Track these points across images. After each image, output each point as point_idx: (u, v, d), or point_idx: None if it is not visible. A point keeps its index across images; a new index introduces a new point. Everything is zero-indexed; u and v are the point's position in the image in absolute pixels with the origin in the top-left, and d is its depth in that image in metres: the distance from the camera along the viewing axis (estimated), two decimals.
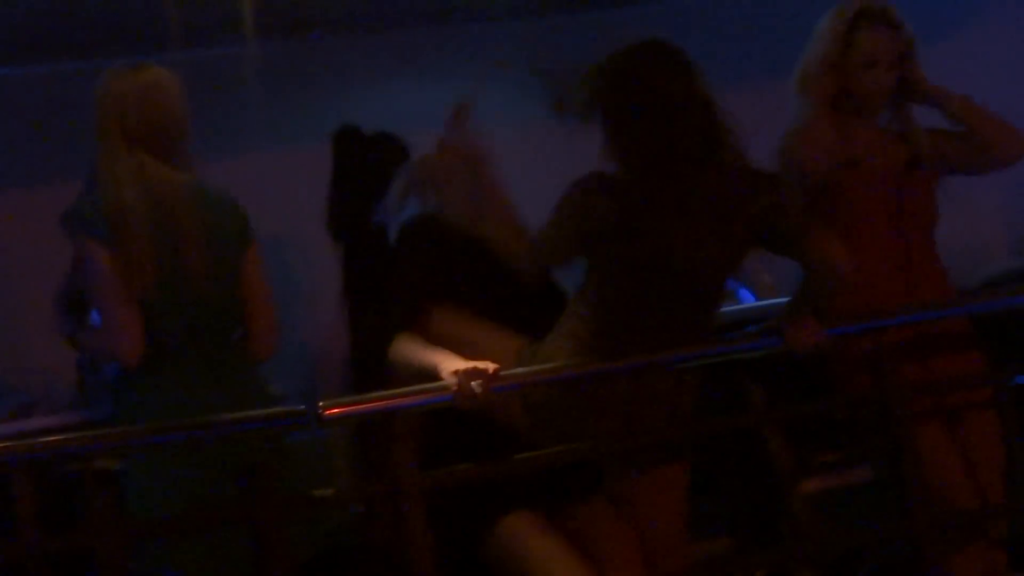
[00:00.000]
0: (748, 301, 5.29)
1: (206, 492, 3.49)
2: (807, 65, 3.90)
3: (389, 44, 5.98)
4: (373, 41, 5.93)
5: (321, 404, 3.35)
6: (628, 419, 3.49)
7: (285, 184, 5.63)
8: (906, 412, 3.76)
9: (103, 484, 3.29)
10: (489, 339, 3.50)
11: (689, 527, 3.70)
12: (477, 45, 5.95)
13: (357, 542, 4.16)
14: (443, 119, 3.80)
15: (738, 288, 5.32)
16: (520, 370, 3.47)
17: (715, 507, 4.57)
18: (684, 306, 3.48)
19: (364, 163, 4.25)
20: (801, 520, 4.28)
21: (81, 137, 3.74)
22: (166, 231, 3.56)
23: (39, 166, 5.32)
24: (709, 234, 3.39)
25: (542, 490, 3.51)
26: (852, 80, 3.86)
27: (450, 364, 3.36)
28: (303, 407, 3.40)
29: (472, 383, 3.32)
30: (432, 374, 3.41)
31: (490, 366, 3.34)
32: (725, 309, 5.04)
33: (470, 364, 3.34)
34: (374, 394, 3.55)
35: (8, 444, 3.36)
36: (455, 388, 3.32)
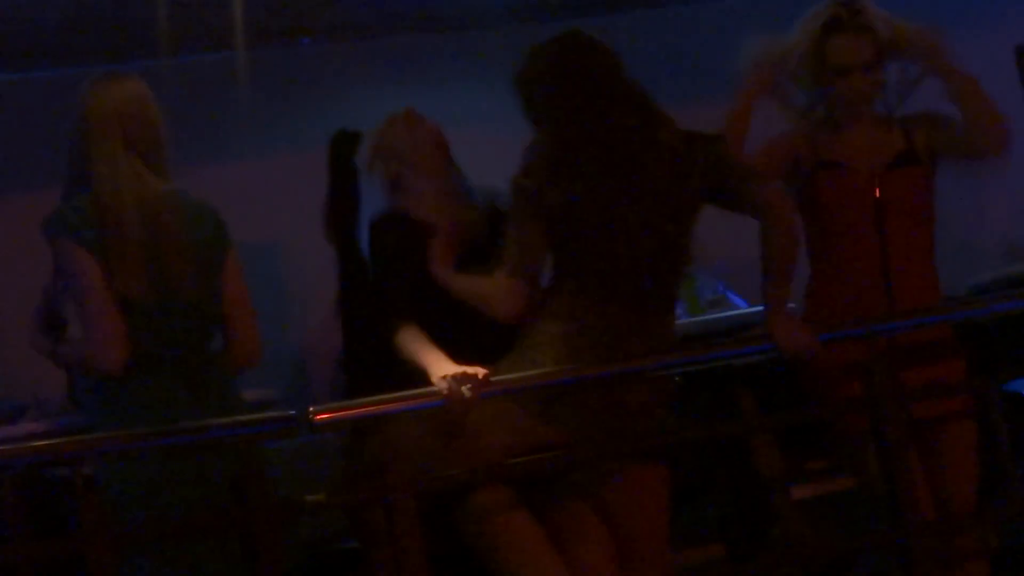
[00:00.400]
0: (741, 307, 5.33)
1: (181, 499, 3.46)
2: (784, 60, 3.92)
3: (379, 51, 5.99)
4: (363, 48, 5.94)
5: (311, 409, 3.37)
6: (603, 419, 3.49)
7: (275, 189, 5.65)
8: (901, 419, 3.74)
9: (93, 490, 3.29)
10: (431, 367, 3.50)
11: (680, 534, 3.71)
12: (467, 52, 5.96)
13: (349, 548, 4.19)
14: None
15: (730, 294, 5.38)
16: (510, 376, 3.48)
17: (706, 514, 4.59)
18: (646, 280, 3.49)
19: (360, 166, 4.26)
20: (791, 527, 4.28)
21: None
22: (153, 238, 3.55)
23: (33, 172, 5.32)
24: (656, 199, 3.45)
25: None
26: (829, 88, 3.87)
27: (440, 368, 3.39)
28: (293, 412, 3.43)
29: (462, 388, 3.33)
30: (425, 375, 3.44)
31: (480, 371, 3.36)
32: (719, 315, 5.12)
33: (459, 369, 3.36)
34: (364, 399, 3.57)
35: None
36: (445, 393, 3.35)
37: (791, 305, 3.82)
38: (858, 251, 3.83)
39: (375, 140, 3.96)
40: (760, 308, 4.82)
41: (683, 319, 5.21)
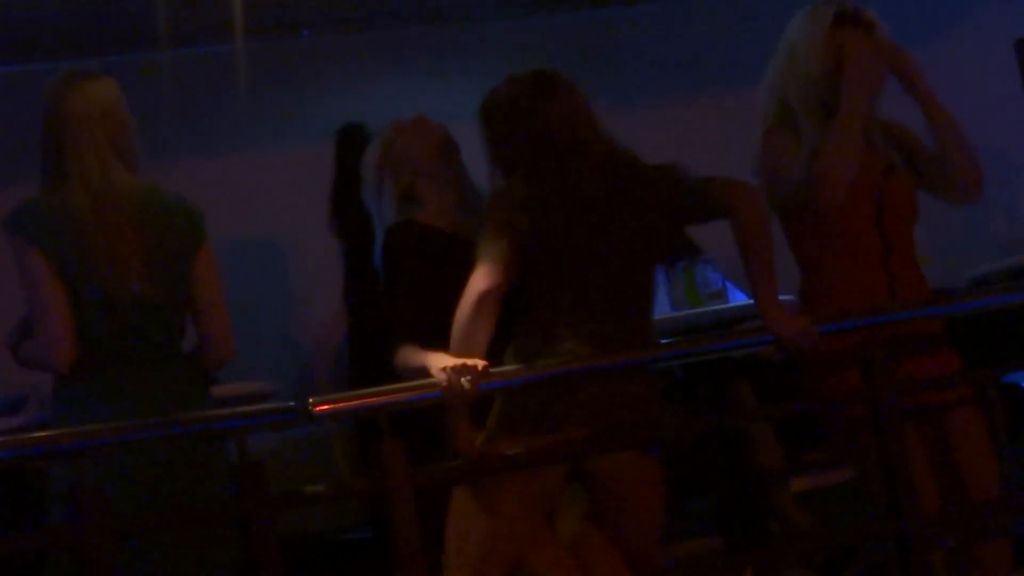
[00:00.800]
0: (741, 299, 5.29)
1: (150, 493, 3.47)
2: (785, 76, 3.84)
3: (379, 43, 6.00)
4: (363, 40, 5.95)
5: (311, 400, 3.36)
6: (600, 413, 3.48)
7: (275, 182, 5.66)
8: (898, 410, 3.72)
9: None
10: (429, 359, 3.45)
11: (679, 526, 3.70)
12: (467, 45, 5.97)
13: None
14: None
15: (730, 286, 5.39)
16: (508, 368, 3.48)
17: (705, 506, 4.61)
18: (618, 305, 3.50)
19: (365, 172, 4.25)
20: (789, 519, 4.30)
21: None
22: (116, 233, 3.55)
23: (34, 165, 5.33)
24: (624, 236, 3.48)
25: None
26: (833, 86, 3.79)
27: (439, 360, 3.38)
28: (293, 403, 3.42)
29: (461, 379, 3.34)
30: (424, 372, 3.43)
31: (479, 362, 3.36)
32: (720, 307, 5.14)
33: (459, 361, 3.36)
34: (364, 391, 3.58)
35: None
36: (444, 384, 3.34)
37: (788, 297, 3.82)
38: (860, 250, 3.82)
39: (384, 149, 3.92)
40: None
41: (684, 311, 5.28)
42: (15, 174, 5.51)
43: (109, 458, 3.42)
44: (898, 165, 3.88)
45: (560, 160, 3.52)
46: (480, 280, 3.41)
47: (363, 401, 3.54)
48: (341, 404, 3.48)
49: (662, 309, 5.28)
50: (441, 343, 3.48)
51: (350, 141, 4.33)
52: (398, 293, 3.74)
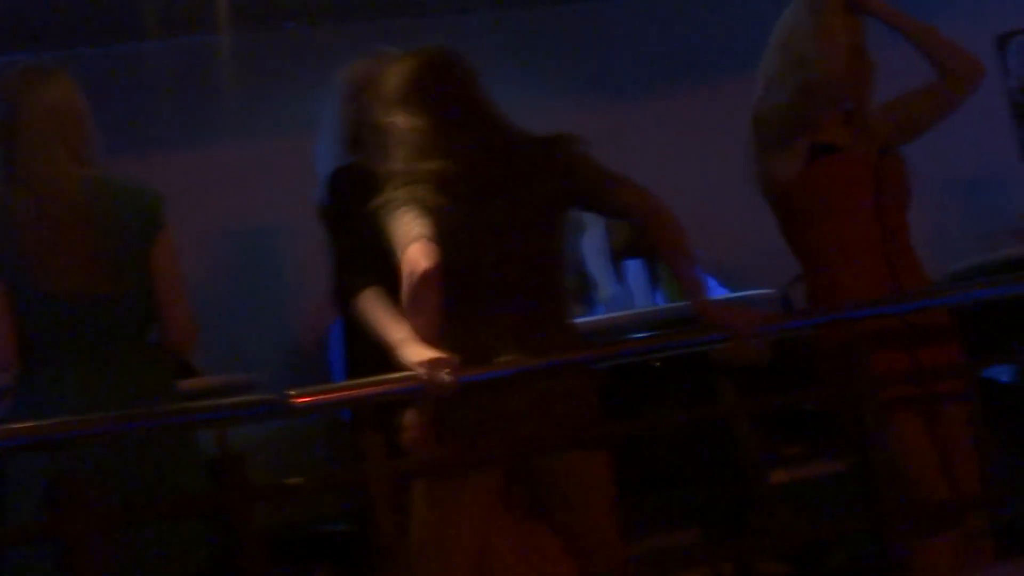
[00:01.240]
0: (721, 293, 5.33)
1: (115, 485, 3.44)
2: (784, 64, 3.84)
3: (363, 35, 5.98)
4: (347, 31, 5.96)
5: (291, 392, 3.35)
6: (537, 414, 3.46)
7: (259, 172, 5.68)
8: (878, 402, 3.72)
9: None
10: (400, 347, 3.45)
11: (658, 518, 3.72)
12: (451, 36, 5.97)
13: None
14: None
15: (709, 280, 5.39)
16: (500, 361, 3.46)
17: (685, 499, 4.63)
18: (519, 291, 3.48)
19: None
20: (769, 511, 4.33)
21: None
22: (54, 230, 3.54)
23: None
24: (517, 209, 3.46)
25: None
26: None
27: (413, 352, 3.37)
28: (273, 395, 3.39)
29: (442, 373, 3.33)
30: (392, 351, 3.42)
31: (453, 356, 3.36)
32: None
33: (435, 354, 3.35)
34: (343, 383, 3.63)
35: None
36: (426, 378, 3.33)
37: (768, 291, 3.85)
38: (859, 233, 3.84)
39: (364, 82, 3.92)
40: (744, 293, 4.95)
41: (663, 304, 5.32)
42: None
43: (73, 450, 3.37)
44: (892, 149, 3.90)
45: (458, 138, 3.51)
46: (423, 259, 3.35)
47: (342, 394, 3.54)
48: (320, 396, 3.47)
49: (643, 303, 5.38)
50: (392, 283, 3.47)
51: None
52: (346, 234, 3.76)
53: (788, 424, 4.65)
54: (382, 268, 3.55)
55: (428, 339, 3.39)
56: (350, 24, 5.97)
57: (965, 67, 3.89)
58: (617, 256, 5.70)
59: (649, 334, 4.44)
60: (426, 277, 3.34)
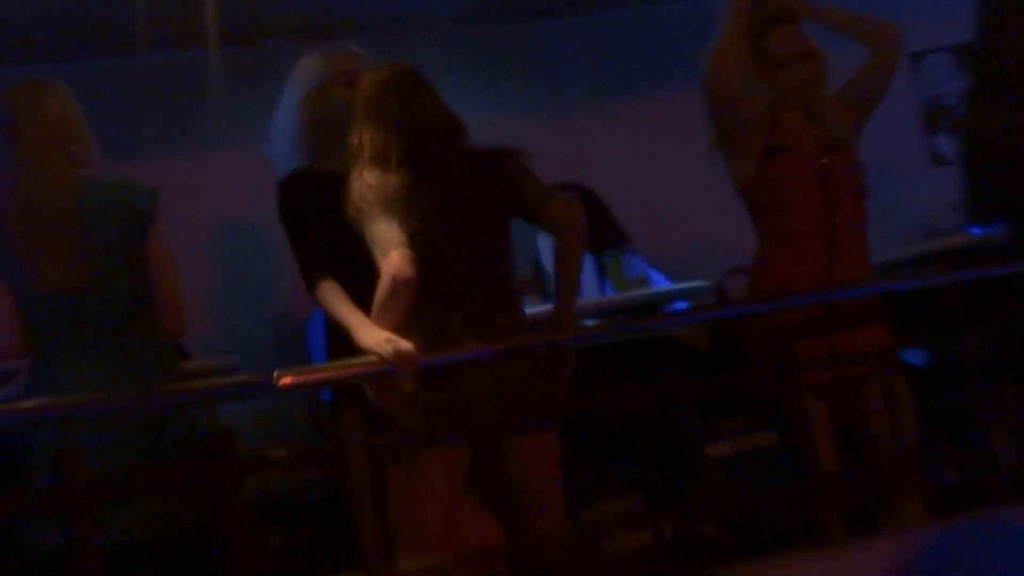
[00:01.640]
0: (662, 284, 5.49)
1: (110, 458, 3.54)
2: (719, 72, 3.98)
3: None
4: (322, 48, 6.10)
5: (276, 373, 3.45)
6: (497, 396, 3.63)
7: (243, 176, 5.80)
8: (799, 384, 3.88)
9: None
10: (360, 331, 3.56)
11: (602, 487, 3.87)
12: (430, 54, 6.10)
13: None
14: None
15: (652, 272, 5.52)
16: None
17: (628, 470, 4.80)
18: (475, 284, 3.65)
19: None
20: (707, 481, 4.54)
21: None
22: (40, 230, 3.63)
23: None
24: (470, 213, 3.65)
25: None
26: (771, 79, 4.05)
27: (373, 335, 3.50)
28: (259, 376, 3.51)
29: (402, 346, 3.47)
30: (351, 332, 3.55)
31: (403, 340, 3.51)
32: (642, 293, 5.28)
33: (388, 334, 3.48)
34: (325, 364, 3.74)
35: None
36: (392, 355, 3.47)
37: (705, 283, 4.08)
38: (807, 225, 3.98)
39: (328, 79, 4.04)
40: (684, 286, 5.18)
41: (609, 295, 5.42)
42: None
43: (72, 427, 3.39)
44: (843, 141, 4.05)
45: (427, 150, 3.65)
46: (407, 266, 3.44)
47: (325, 374, 3.68)
48: (304, 377, 3.59)
49: (592, 293, 5.46)
50: (347, 275, 3.59)
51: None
52: (302, 236, 3.82)
53: (727, 401, 4.79)
54: (340, 267, 3.67)
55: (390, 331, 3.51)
56: (325, 42, 6.09)
57: (883, 33, 4.07)
58: None
59: (598, 321, 4.65)
60: (409, 283, 3.45)
